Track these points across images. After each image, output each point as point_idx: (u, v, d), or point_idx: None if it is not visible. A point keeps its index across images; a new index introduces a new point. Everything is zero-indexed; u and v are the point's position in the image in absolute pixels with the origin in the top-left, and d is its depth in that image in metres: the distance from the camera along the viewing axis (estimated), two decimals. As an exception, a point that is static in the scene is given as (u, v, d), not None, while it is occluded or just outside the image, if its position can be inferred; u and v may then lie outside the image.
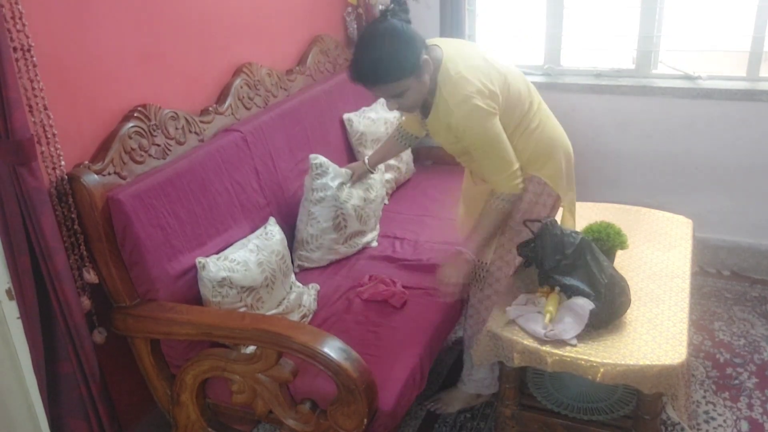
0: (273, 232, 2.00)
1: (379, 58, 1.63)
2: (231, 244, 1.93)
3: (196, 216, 1.86)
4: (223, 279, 1.77)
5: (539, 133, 1.91)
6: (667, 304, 1.82)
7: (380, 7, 1.74)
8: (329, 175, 2.21)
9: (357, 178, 2.28)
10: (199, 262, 1.78)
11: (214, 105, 2.15)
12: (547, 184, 1.93)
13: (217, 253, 1.87)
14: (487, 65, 1.81)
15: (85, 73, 1.71)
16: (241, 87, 2.24)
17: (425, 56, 1.68)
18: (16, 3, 1.43)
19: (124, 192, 1.67)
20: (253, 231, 2.01)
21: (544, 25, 2.97)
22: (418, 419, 2.18)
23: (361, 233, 2.33)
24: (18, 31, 1.45)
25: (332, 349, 1.53)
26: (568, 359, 1.64)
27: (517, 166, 1.84)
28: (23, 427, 1.76)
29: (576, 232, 1.80)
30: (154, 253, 1.71)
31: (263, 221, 2.06)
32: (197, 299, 1.81)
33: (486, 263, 1.99)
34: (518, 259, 1.93)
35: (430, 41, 1.78)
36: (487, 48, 2.04)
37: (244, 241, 1.94)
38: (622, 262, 1.99)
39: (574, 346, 1.67)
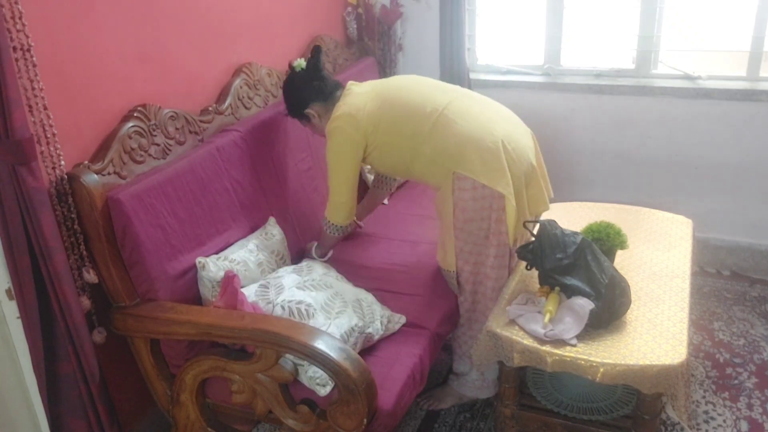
0: (273, 232, 2.00)
1: (284, 102, 2.18)
2: (231, 244, 1.93)
3: (196, 216, 1.86)
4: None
5: (450, 133, 1.91)
6: (667, 304, 1.82)
7: (294, 64, 2.10)
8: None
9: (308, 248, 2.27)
10: (199, 262, 1.78)
11: (214, 105, 2.15)
12: (469, 177, 1.88)
13: (217, 253, 1.87)
14: (367, 94, 2.00)
15: (85, 73, 1.71)
16: (241, 87, 2.24)
17: (309, 110, 2.07)
18: (16, 3, 1.43)
19: (123, 192, 1.67)
20: (253, 231, 2.00)
21: (544, 25, 2.97)
22: (417, 419, 2.18)
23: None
24: (18, 31, 1.45)
25: (331, 348, 1.53)
26: (568, 359, 1.64)
27: (344, 200, 2.00)
28: (23, 427, 1.76)
29: (576, 233, 1.81)
30: (153, 253, 1.71)
31: (263, 221, 2.06)
32: (197, 299, 1.81)
33: (452, 271, 2.00)
34: (489, 260, 1.93)
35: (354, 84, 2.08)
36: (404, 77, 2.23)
37: (243, 241, 1.94)
38: (622, 262, 1.99)
39: (574, 346, 1.67)
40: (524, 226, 1.88)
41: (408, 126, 1.93)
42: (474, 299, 2.01)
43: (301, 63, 2.08)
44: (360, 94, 2.01)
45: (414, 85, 2.05)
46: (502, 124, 1.97)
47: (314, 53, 2.07)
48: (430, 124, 1.91)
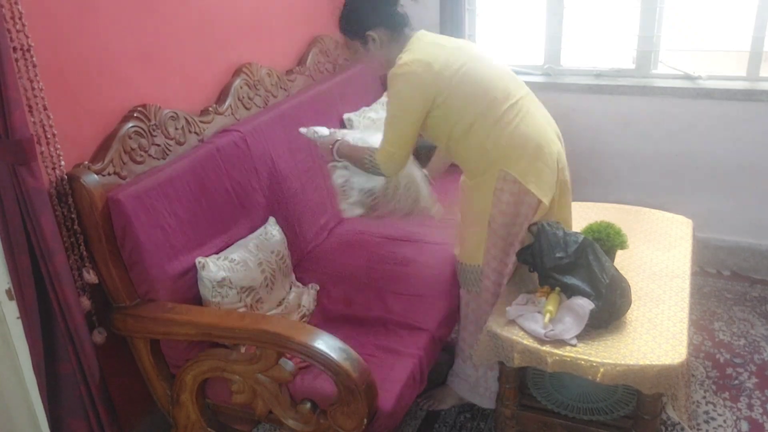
0: (273, 232, 2.00)
1: (341, 14, 1.94)
2: (231, 244, 1.93)
3: (196, 216, 1.86)
4: (223, 279, 1.77)
5: (512, 129, 1.84)
6: (667, 304, 1.82)
7: None
8: None
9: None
10: (199, 262, 1.78)
11: (214, 105, 2.15)
12: (518, 180, 1.84)
13: (217, 253, 1.87)
14: (449, 48, 1.85)
15: (85, 73, 1.71)
16: (241, 87, 2.24)
17: (372, 32, 1.87)
18: (16, 3, 1.43)
19: (123, 192, 1.67)
20: (253, 231, 2.00)
21: (544, 25, 2.97)
22: (418, 419, 2.18)
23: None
24: (18, 31, 1.45)
25: (332, 349, 1.53)
26: (568, 359, 1.64)
27: (399, 151, 1.84)
28: (23, 427, 1.76)
29: (578, 233, 1.81)
30: (153, 253, 1.71)
31: (263, 221, 2.06)
32: (197, 299, 1.81)
33: (477, 265, 1.97)
34: (509, 266, 1.92)
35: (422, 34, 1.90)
36: (480, 46, 2.03)
37: (243, 241, 1.94)
38: (622, 262, 1.99)
39: (574, 346, 1.67)
40: (528, 229, 1.87)
41: (481, 103, 1.82)
42: (485, 298, 1.98)
43: None
44: (440, 46, 1.85)
45: (491, 63, 1.93)
46: (555, 139, 1.94)
47: None
48: (501, 110, 1.82)
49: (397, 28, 1.89)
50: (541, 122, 1.90)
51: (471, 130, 1.83)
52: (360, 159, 1.95)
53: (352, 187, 2.09)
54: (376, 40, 1.88)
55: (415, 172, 2.12)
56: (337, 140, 2.04)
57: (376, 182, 2.04)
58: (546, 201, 1.85)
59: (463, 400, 2.18)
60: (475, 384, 2.11)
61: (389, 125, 1.84)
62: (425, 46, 1.83)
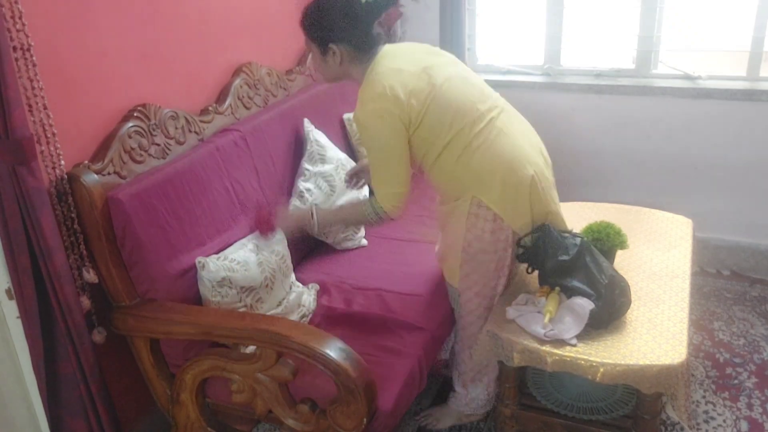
0: None
1: (309, 10, 1.75)
2: (231, 244, 1.93)
3: (196, 216, 1.86)
4: (223, 279, 1.77)
5: (483, 152, 1.74)
6: (667, 304, 1.82)
7: None
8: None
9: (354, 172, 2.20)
10: (199, 262, 1.78)
11: (214, 105, 2.15)
12: (491, 209, 1.76)
13: (217, 252, 1.87)
14: (415, 74, 1.70)
15: (85, 72, 1.71)
16: (241, 87, 2.24)
17: (334, 46, 1.71)
18: (16, 3, 1.43)
19: (123, 191, 1.67)
20: (253, 231, 2.00)
21: (544, 25, 2.97)
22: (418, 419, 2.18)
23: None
24: (18, 30, 1.45)
25: (332, 348, 1.52)
26: (568, 359, 1.64)
27: (401, 190, 1.75)
28: (23, 427, 1.76)
29: (576, 234, 1.81)
30: (153, 252, 1.71)
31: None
32: (197, 299, 1.81)
33: (454, 287, 1.93)
34: (497, 289, 1.88)
35: (392, 46, 1.78)
36: (443, 55, 1.87)
37: (244, 241, 1.94)
38: (622, 262, 1.99)
39: (574, 345, 1.67)
40: (517, 244, 1.83)
41: (450, 129, 1.72)
42: (470, 321, 1.94)
43: None
44: (406, 72, 1.70)
45: (463, 79, 1.80)
46: (535, 155, 1.81)
47: None
48: (472, 133, 1.73)
49: (363, 49, 1.74)
50: (516, 142, 1.78)
51: (441, 157, 1.75)
52: (356, 214, 1.88)
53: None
54: (336, 54, 1.74)
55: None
56: (312, 211, 1.93)
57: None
58: (519, 230, 1.79)
59: (461, 419, 2.12)
60: (468, 402, 2.07)
61: (382, 168, 1.75)
62: (390, 74, 1.69)
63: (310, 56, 1.81)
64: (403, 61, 1.73)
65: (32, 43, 1.48)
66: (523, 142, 1.80)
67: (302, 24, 1.76)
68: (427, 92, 1.70)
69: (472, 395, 2.05)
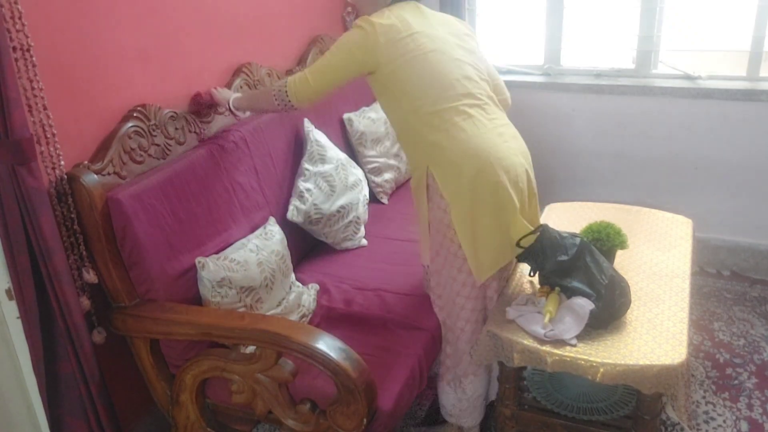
0: (273, 231, 2.00)
1: None
2: (230, 244, 1.93)
3: (196, 216, 1.86)
4: (223, 279, 1.77)
5: (444, 131, 1.73)
6: (667, 304, 1.82)
7: None
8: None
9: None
10: (199, 262, 1.78)
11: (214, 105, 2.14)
12: (439, 187, 1.74)
13: (217, 252, 1.87)
14: (412, 29, 1.76)
15: (84, 72, 1.71)
16: (241, 87, 2.24)
17: None
18: (16, 3, 1.43)
19: (123, 192, 1.67)
20: (252, 231, 2.00)
21: (544, 25, 2.97)
22: (417, 419, 2.18)
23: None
24: (17, 30, 1.45)
25: (331, 348, 1.52)
26: (568, 359, 1.64)
27: (315, 83, 1.78)
28: (23, 427, 1.76)
29: (575, 234, 1.81)
30: (153, 253, 1.71)
31: (263, 221, 2.06)
32: (197, 299, 1.81)
33: (426, 266, 1.92)
34: (462, 272, 1.80)
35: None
36: (460, 36, 1.87)
37: (244, 241, 1.94)
38: (622, 262, 1.99)
39: (574, 346, 1.67)
40: (518, 244, 1.79)
41: (418, 96, 1.74)
42: (441, 307, 1.90)
43: None
44: (406, 22, 1.77)
45: (455, 59, 1.79)
46: (507, 156, 1.77)
47: None
48: (441, 107, 1.73)
49: None
50: (484, 135, 1.74)
51: (406, 120, 1.78)
52: (265, 94, 1.90)
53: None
54: None
55: None
56: (229, 99, 2.01)
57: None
58: (456, 215, 1.73)
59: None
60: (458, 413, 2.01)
61: (319, 60, 1.81)
62: (395, 17, 1.77)
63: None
64: (414, 17, 1.80)
65: (32, 44, 1.48)
66: (494, 138, 1.76)
67: None
68: (410, 49, 1.74)
69: (445, 400, 2.00)
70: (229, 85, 2.21)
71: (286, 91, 1.81)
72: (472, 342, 1.86)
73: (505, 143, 1.78)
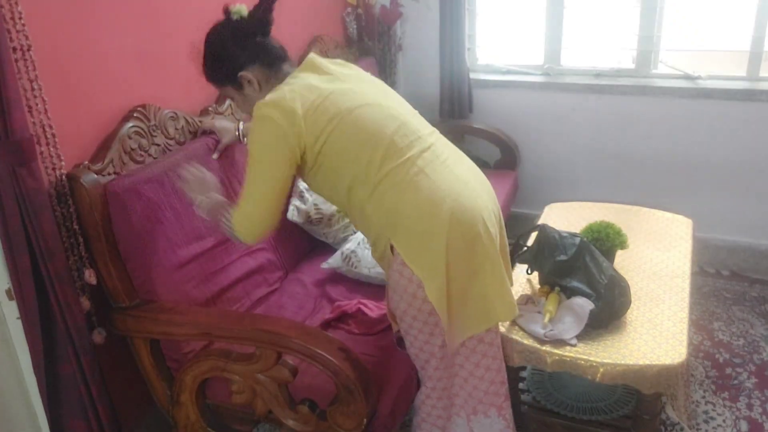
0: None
1: (204, 59, 1.61)
2: (229, 238, 1.93)
3: (194, 210, 1.86)
4: None
5: (399, 191, 1.48)
6: (667, 304, 1.83)
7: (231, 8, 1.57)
8: None
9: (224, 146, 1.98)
10: None
11: (214, 105, 2.15)
12: (400, 258, 1.49)
13: (215, 246, 1.87)
14: (324, 92, 1.50)
15: (84, 73, 1.71)
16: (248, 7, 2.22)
17: (246, 72, 1.55)
18: (16, 3, 1.43)
19: (120, 184, 1.67)
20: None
21: (544, 25, 2.98)
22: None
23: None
24: (18, 31, 1.45)
25: (331, 349, 1.53)
26: (568, 359, 1.64)
27: (259, 213, 1.51)
28: (23, 428, 1.76)
29: (575, 235, 1.81)
30: (150, 244, 1.71)
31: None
32: (195, 292, 1.81)
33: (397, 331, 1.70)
34: (437, 351, 1.59)
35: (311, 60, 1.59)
36: (371, 83, 1.64)
37: None
38: (622, 262, 1.99)
39: (574, 345, 1.67)
40: (517, 243, 1.77)
41: (356, 163, 1.50)
42: (421, 383, 1.69)
43: (241, 10, 1.56)
44: (315, 88, 1.51)
45: (383, 108, 1.55)
46: (467, 195, 1.52)
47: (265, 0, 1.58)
48: (386, 169, 1.49)
49: (275, 64, 1.58)
50: (438, 184, 1.50)
51: (351, 192, 1.53)
52: (218, 218, 1.60)
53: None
54: (251, 81, 1.56)
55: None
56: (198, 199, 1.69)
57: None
58: (432, 289, 1.47)
59: None
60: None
61: (248, 180, 1.52)
62: (298, 88, 1.50)
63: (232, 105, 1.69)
64: (317, 79, 1.55)
65: (32, 44, 1.48)
66: (452, 183, 1.52)
67: (207, 76, 1.62)
68: (331, 115, 1.48)
69: None
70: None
71: (233, 226, 1.55)
72: (428, 402, 1.67)
73: (467, 186, 1.54)
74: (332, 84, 1.54)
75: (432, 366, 1.62)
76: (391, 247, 1.52)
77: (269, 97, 1.50)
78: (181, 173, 1.72)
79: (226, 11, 1.58)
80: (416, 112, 1.65)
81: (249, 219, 1.53)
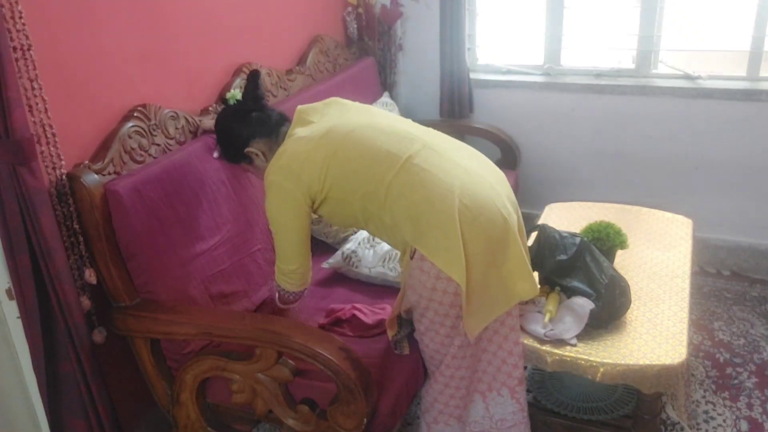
0: None
1: (218, 145, 1.90)
2: (228, 238, 1.93)
3: (193, 208, 1.86)
4: None
5: (407, 195, 1.54)
6: (667, 303, 1.83)
7: (227, 96, 1.79)
8: None
9: None
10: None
11: (214, 105, 2.15)
12: (425, 259, 1.53)
13: (215, 246, 1.87)
14: (315, 138, 1.62)
15: (85, 72, 1.71)
16: (242, 87, 2.24)
17: (250, 148, 1.76)
18: (16, 3, 1.43)
19: (121, 183, 1.67)
20: (249, 225, 2.00)
21: (544, 25, 2.98)
22: (419, 418, 2.18)
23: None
24: (18, 30, 1.45)
25: (332, 348, 1.53)
26: (568, 359, 1.65)
27: (293, 268, 1.70)
28: (23, 427, 1.76)
29: (575, 234, 1.81)
30: (151, 244, 1.71)
31: (263, 218, 2.06)
32: (195, 292, 1.81)
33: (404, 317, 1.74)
34: (452, 350, 1.63)
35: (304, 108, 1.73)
36: (352, 108, 1.75)
37: None
38: (622, 262, 2.00)
39: (574, 345, 1.67)
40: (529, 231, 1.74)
41: (362, 184, 1.58)
42: (431, 382, 1.72)
43: (235, 94, 1.81)
44: (305, 139, 1.63)
45: (371, 126, 1.65)
46: (470, 185, 1.56)
47: (251, 79, 1.79)
48: (387, 180, 1.55)
49: (273, 131, 1.74)
50: (440, 175, 1.54)
51: (366, 211, 1.61)
52: (278, 303, 1.85)
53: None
54: (258, 154, 1.76)
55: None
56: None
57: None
58: (459, 279, 1.50)
59: None
60: None
61: (280, 243, 1.71)
62: (291, 145, 1.64)
63: (252, 169, 1.86)
64: (308, 129, 1.67)
65: (32, 44, 1.48)
66: (454, 172, 1.56)
67: (226, 157, 1.88)
68: (325, 154, 1.60)
69: None
70: (229, 85, 2.21)
71: (283, 288, 1.77)
72: (446, 392, 1.69)
73: (469, 173, 1.58)
74: (322, 123, 1.68)
75: (457, 357, 1.64)
76: (413, 250, 1.57)
77: (272, 163, 1.67)
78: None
79: (223, 99, 1.81)
80: (404, 118, 1.75)
81: (291, 275, 1.73)
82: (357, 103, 1.79)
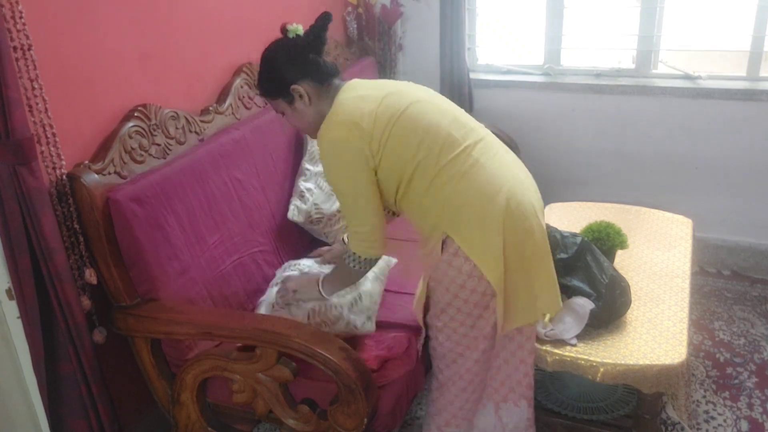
0: None
1: (259, 74, 1.66)
2: (231, 243, 1.93)
3: (196, 214, 1.86)
4: None
5: (455, 183, 1.51)
6: (667, 303, 1.83)
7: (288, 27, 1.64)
8: None
9: (329, 259, 1.92)
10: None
11: (215, 105, 2.15)
12: (460, 250, 1.50)
13: (215, 247, 1.87)
14: (378, 98, 1.55)
15: (85, 72, 1.71)
16: (242, 87, 2.24)
17: (297, 86, 1.58)
18: (16, 3, 1.43)
19: (122, 192, 1.67)
20: (252, 228, 2.00)
21: (544, 25, 2.98)
22: (419, 418, 2.18)
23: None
24: (18, 30, 1.45)
25: (332, 348, 1.53)
26: (568, 359, 1.65)
27: (369, 229, 1.55)
28: (23, 427, 1.76)
29: (576, 234, 1.81)
30: (153, 252, 1.71)
31: (263, 220, 2.06)
32: (197, 297, 1.81)
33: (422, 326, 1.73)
34: (475, 354, 1.60)
35: (355, 82, 1.64)
36: (415, 86, 1.66)
37: None
38: (622, 262, 2.00)
39: (574, 345, 1.67)
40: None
41: (416, 156, 1.52)
42: (442, 384, 1.68)
43: (298, 28, 1.65)
44: (365, 98, 1.56)
45: (435, 107, 1.59)
46: (519, 191, 1.55)
47: (321, 20, 1.66)
48: (442, 162, 1.51)
49: (325, 80, 1.62)
50: (493, 173, 1.53)
51: (410, 186, 1.55)
52: (346, 271, 1.64)
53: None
54: (303, 95, 1.59)
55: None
56: (320, 278, 1.74)
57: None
58: (494, 279, 1.49)
59: None
60: None
61: (345, 204, 1.59)
62: (351, 102, 1.56)
63: (285, 120, 1.71)
64: (367, 89, 1.61)
65: (32, 44, 1.48)
66: (505, 174, 1.55)
67: (260, 89, 1.68)
68: (389, 115, 1.53)
69: None
70: (229, 86, 2.21)
71: (358, 257, 1.58)
72: (462, 396, 1.66)
73: (517, 178, 1.57)
74: (381, 90, 1.59)
75: (472, 359, 1.61)
76: (443, 242, 1.53)
77: (329, 119, 1.55)
78: (288, 287, 1.77)
79: (284, 29, 1.66)
80: (462, 109, 1.67)
81: (367, 239, 1.57)
82: (416, 84, 1.69)
